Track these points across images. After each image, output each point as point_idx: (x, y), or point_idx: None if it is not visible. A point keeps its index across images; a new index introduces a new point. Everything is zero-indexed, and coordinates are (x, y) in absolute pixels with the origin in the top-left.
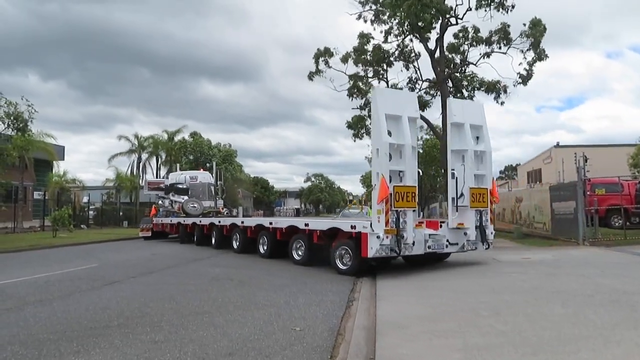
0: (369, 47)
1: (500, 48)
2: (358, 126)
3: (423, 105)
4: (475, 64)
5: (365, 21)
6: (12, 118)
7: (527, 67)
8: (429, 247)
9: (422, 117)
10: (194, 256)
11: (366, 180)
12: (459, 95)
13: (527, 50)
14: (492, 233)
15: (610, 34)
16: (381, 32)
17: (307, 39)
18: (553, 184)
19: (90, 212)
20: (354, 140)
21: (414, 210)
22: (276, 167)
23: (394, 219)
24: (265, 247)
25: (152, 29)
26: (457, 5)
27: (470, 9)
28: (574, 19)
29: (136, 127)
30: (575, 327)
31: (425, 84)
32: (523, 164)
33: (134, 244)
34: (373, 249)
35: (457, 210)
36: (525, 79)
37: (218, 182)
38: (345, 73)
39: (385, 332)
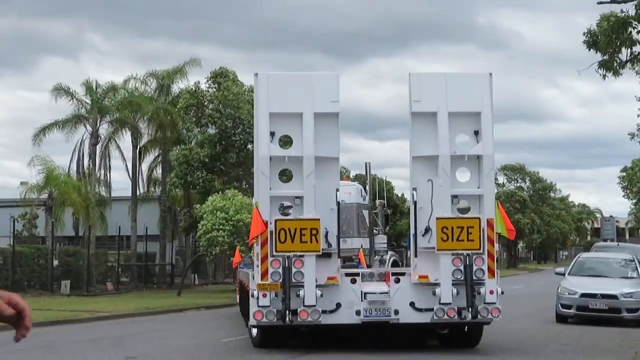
0: None
1: None
2: (615, 42)
3: None
4: None
5: None
6: None
7: None
8: (357, 314)
9: None
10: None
11: (632, 178)
12: None
13: None
14: (492, 293)
15: None
16: None
17: None
18: None
19: None
20: (604, 77)
21: (319, 255)
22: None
23: (278, 269)
24: None
25: None
26: None
27: None
28: None
29: (88, 65)
30: None
31: None
32: None
33: (86, 332)
34: (252, 313)
35: (415, 256)
36: None
37: (377, 201)
38: None
39: None
